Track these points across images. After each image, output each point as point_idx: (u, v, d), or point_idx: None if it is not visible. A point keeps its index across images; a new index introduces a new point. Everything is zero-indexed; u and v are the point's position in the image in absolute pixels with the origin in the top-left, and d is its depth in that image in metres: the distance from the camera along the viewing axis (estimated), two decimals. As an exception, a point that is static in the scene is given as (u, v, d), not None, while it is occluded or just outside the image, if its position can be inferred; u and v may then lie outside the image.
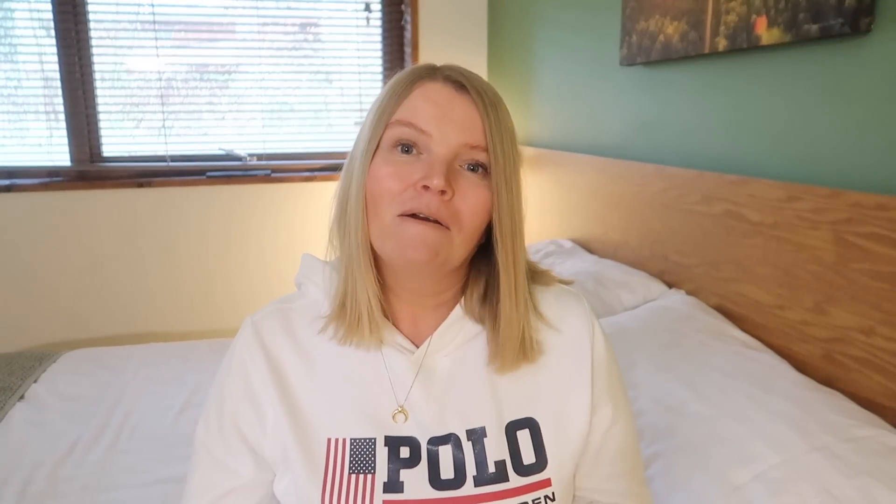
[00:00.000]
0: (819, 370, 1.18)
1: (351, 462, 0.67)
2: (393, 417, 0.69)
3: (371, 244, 0.67)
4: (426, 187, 0.62)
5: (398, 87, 0.67)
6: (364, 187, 0.66)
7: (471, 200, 0.64)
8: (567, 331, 0.74)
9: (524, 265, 0.69)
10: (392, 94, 0.67)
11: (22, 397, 1.61)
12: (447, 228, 0.63)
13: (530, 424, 0.70)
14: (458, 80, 0.66)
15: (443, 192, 0.62)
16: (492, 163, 0.65)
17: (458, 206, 0.64)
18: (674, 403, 1.13)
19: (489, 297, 0.71)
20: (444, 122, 0.64)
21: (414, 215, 0.63)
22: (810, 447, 0.95)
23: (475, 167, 0.65)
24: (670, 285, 1.64)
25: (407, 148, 0.65)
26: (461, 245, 0.65)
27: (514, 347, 0.69)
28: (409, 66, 0.70)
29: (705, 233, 1.49)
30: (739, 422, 1.04)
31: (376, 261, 0.69)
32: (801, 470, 0.92)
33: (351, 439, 0.68)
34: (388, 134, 0.66)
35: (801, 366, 1.21)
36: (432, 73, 0.67)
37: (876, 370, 1.07)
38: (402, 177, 0.64)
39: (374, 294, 0.68)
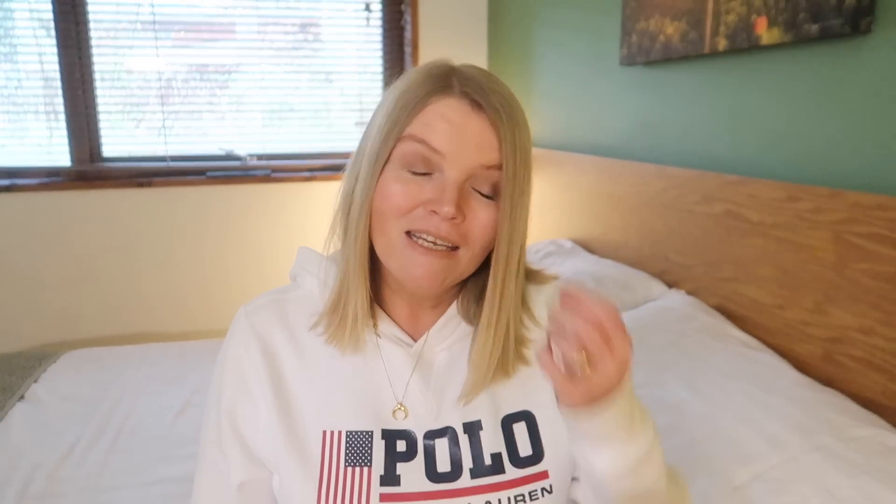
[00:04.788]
0: (819, 370, 1.18)
1: (347, 455, 0.66)
2: (393, 414, 0.69)
3: (372, 248, 0.68)
4: (435, 212, 0.61)
5: (412, 99, 0.64)
6: (370, 199, 0.65)
7: (482, 222, 0.63)
8: None
9: (512, 292, 0.67)
10: (405, 106, 0.64)
11: (22, 397, 1.61)
12: (455, 249, 0.63)
13: (526, 417, 0.70)
14: (476, 99, 0.63)
15: (452, 218, 0.61)
16: (503, 186, 0.63)
17: (468, 228, 0.63)
18: (674, 403, 1.13)
19: (483, 297, 0.71)
20: (458, 141, 0.62)
21: (421, 236, 0.63)
22: (810, 447, 0.95)
23: (489, 190, 0.64)
24: (670, 285, 1.64)
25: (418, 167, 0.64)
26: (469, 263, 0.65)
27: (481, 370, 0.68)
28: (424, 68, 0.66)
29: (705, 233, 1.49)
30: (739, 422, 1.04)
31: (375, 260, 0.69)
32: (801, 470, 0.92)
33: (347, 432, 0.67)
34: (400, 148, 0.64)
35: (801, 366, 1.21)
36: (448, 85, 0.64)
37: (876, 370, 1.07)
38: (412, 196, 0.63)
39: (363, 303, 0.68)
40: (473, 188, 0.64)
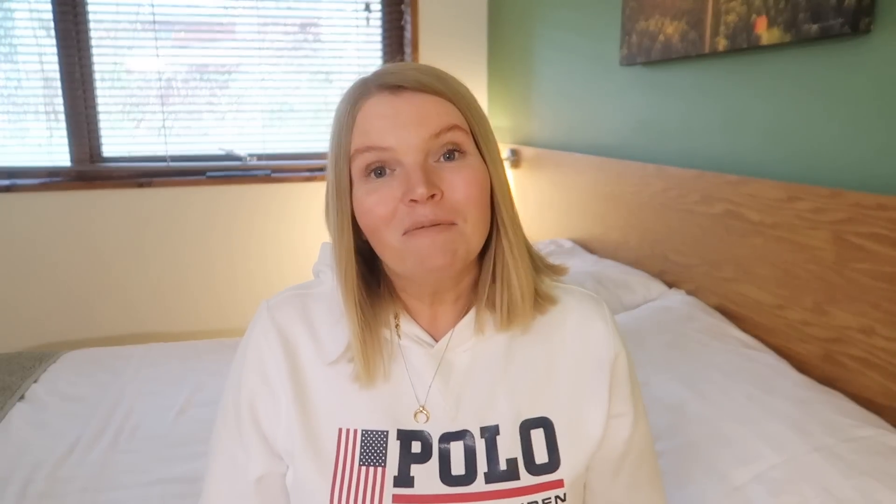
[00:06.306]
0: (819, 370, 1.18)
1: (361, 454, 0.66)
2: (415, 416, 0.68)
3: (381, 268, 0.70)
4: (414, 201, 0.61)
5: (342, 119, 0.66)
6: (349, 228, 0.66)
7: (461, 187, 0.63)
8: (587, 335, 0.73)
9: (518, 223, 0.69)
10: (341, 130, 0.66)
11: (22, 397, 1.61)
12: (453, 224, 0.63)
13: (544, 424, 0.69)
14: (392, 84, 0.64)
15: (432, 196, 0.61)
16: (473, 129, 0.66)
17: (453, 200, 0.63)
18: (674, 403, 1.13)
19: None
20: (398, 129, 0.63)
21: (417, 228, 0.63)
22: (810, 447, 0.95)
23: (450, 155, 0.64)
24: (670, 285, 1.64)
25: (379, 171, 0.64)
26: (474, 232, 0.64)
27: (525, 301, 0.69)
28: (346, 91, 0.69)
29: (705, 233, 1.49)
30: (740, 422, 1.04)
31: (384, 269, 0.71)
32: (801, 470, 0.92)
33: (362, 430, 0.67)
34: (355, 166, 0.65)
35: (801, 366, 1.21)
36: (366, 90, 0.66)
37: (876, 370, 1.07)
38: (388, 199, 0.63)
39: (357, 335, 0.67)
40: (437, 161, 0.64)
